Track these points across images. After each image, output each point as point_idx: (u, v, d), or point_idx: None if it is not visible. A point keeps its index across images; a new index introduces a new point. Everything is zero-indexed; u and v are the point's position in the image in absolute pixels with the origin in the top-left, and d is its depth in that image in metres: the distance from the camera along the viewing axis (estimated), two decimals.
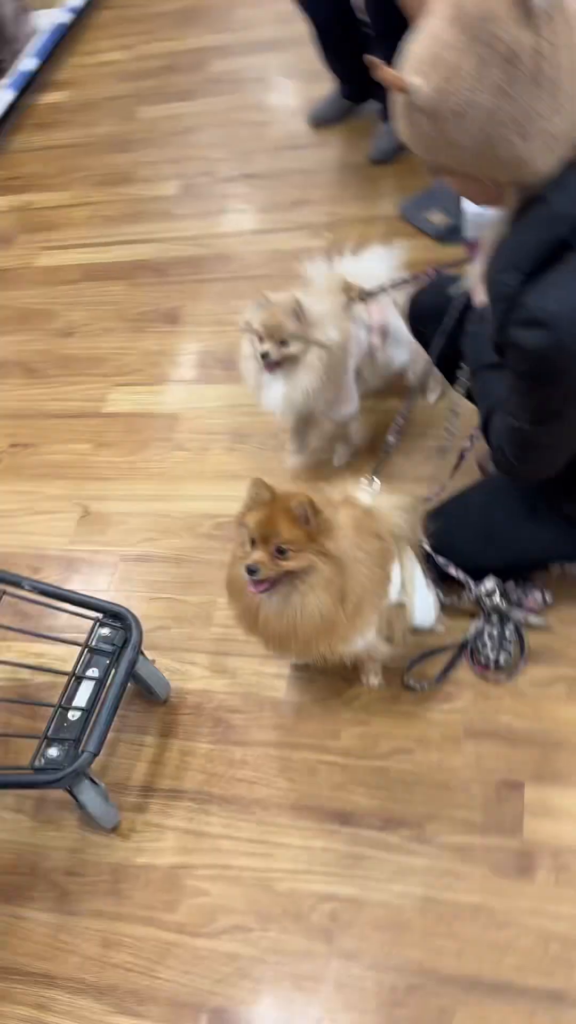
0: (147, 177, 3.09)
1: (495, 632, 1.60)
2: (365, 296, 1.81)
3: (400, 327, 1.87)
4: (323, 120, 2.98)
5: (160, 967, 1.44)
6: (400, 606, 1.53)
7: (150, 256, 2.77)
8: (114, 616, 1.69)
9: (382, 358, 1.92)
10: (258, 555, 1.32)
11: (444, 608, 1.68)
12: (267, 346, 1.75)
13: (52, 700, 1.62)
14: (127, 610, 1.69)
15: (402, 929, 1.39)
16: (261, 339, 1.76)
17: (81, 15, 4.03)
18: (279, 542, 1.32)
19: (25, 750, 1.59)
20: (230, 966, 1.42)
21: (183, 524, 2.05)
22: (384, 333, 1.89)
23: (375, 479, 1.55)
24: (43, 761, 1.52)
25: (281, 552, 1.32)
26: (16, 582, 1.77)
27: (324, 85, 2.97)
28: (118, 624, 1.68)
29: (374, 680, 1.66)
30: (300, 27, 2.82)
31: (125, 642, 1.65)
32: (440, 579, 1.64)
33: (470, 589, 1.61)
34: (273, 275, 2.55)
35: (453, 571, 1.60)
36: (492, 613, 1.61)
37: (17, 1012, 1.45)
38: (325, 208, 2.72)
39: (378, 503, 1.49)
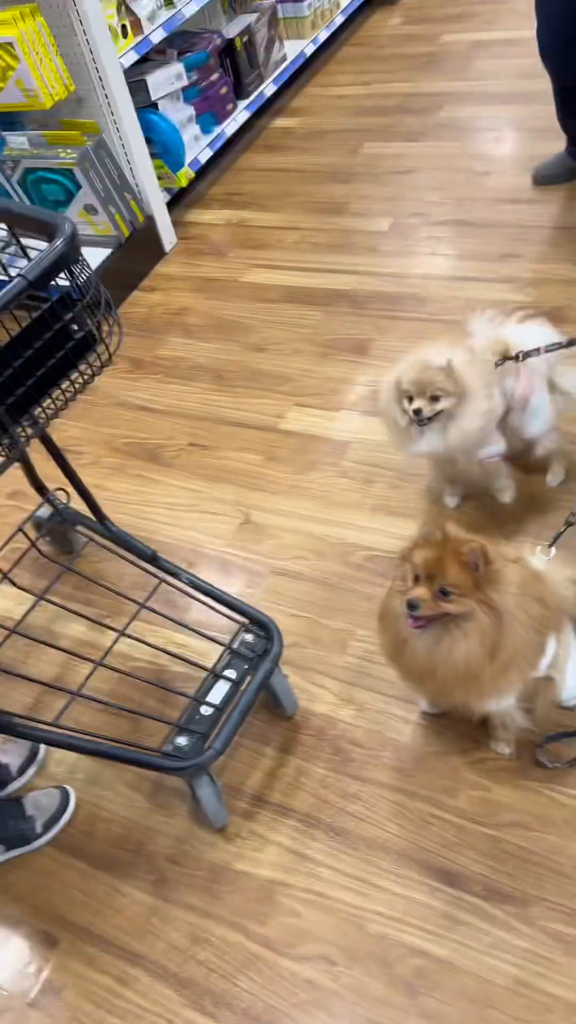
0: (360, 211, 3.18)
1: None
2: (519, 356, 1.80)
3: (542, 402, 1.87)
4: (547, 178, 2.98)
5: (241, 976, 1.47)
6: (548, 679, 1.50)
7: (349, 287, 2.84)
8: (260, 625, 1.75)
9: (515, 422, 1.91)
10: (421, 592, 1.34)
11: None
12: (420, 403, 1.77)
13: (186, 691, 1.69)
14: (272, 622, 1.75)
15: (489, 1006, 1.36)
16: (410, 397, 1.79)
17: (325, 48, 4.20)
18: (444, 583, 1.33)
19: (152, 731, 1.67)
20: (308, 994, 1.43)
21: (336, 550, 2.09)
22: (525, 402, 1.87)
23: (551, 548, 1.53)
24: (171, 747, 1.59)
25: (444, 593, 1.33)
26: (175, 573, 1.87)
27: (553, 144, 2.97)
28: (262, 633, 1.74)
29: (504, 749, 1.63)
30: (538, 84, 2.84)
31: (265, 652, 1.70)
32: None
33: None
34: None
35: None
36: None
37: (98, 980, 1.52)
38: (532, 265, 2.71)
39: (549, 571, 1.47)
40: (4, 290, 1.04)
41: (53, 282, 1.13)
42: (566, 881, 1.46)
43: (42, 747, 1.84)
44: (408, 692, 1.77)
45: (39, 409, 1.16)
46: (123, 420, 2.61)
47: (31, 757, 1.82)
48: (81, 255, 1.14)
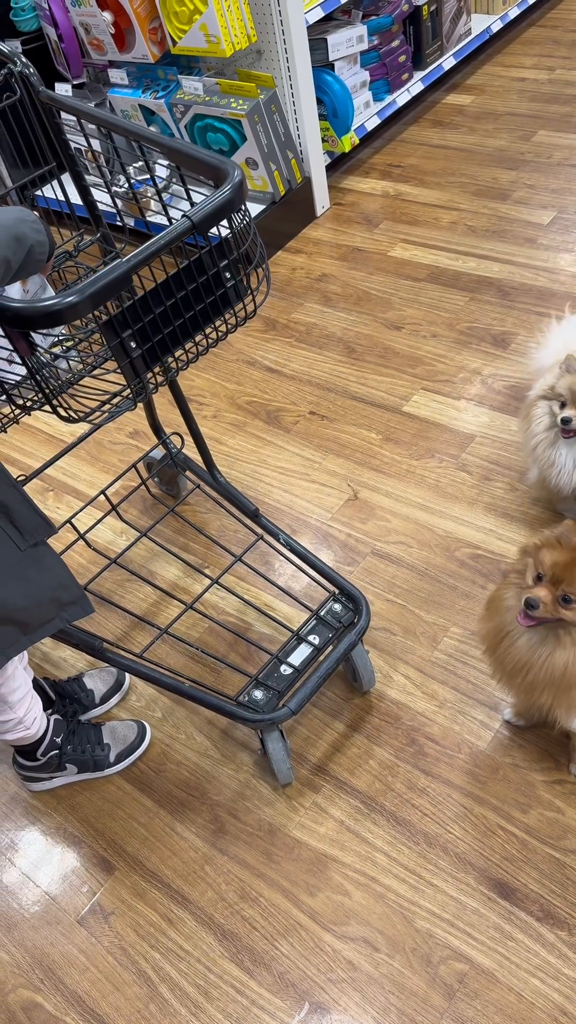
0: (523, 199, 3.07)
1: None
2: None
3: None
4: None
5: (282, 940, 1.49)
6: None
7: (499, 276, 2.75)
8: (349, 597, 1.74)
9: None
10: (543, 593, 1.30)
11: None
12: (571, 411, 1.69)
13: (270, 649, 1.70)
14: (363, 595, 1.73)
15: None
16: (563, 404, 1.70)
17: (513, 26, 4.04)
18: (569, 591, 1.29)
19: (230, 683, 1.69)
20: (347, 973, 1.43)
21: (441, 542, 2.05)
22: None
23: None
24: (247, 699, 1.61)
25: (566, 600, 1.29)
26: (275, 533, 1.87)
27: None
28: (350, 605, 1.73)
29: None
30: None
31: (352, 624, 1.69)
32: None
33: None
34: None
35: None
36: None
37: (146, 914, 1.56)
38: None
39: None
40: (168, 230, 1.05)
41: (214, 228, 1.13)
42: None
43: (127, 679, 1.89)
44: (494, 698, 1.73)
45: (181, 351, 1.16)
46: (250, 379, 2.62)
47: (116, 687, 1.87)
48: (245, 205, 1.13)
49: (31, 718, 1.58)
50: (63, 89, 3.18)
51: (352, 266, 2.97)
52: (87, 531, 1.90)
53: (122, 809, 1.70)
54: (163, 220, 1.44)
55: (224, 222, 1.13)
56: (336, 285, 2.90)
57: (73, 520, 1.91)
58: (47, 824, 1.70)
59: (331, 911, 1.51)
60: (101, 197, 1.52)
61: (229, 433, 2.46)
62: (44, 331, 1.03)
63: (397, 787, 1.63)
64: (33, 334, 1.05)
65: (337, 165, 3.43)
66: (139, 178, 2.65)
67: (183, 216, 1.07)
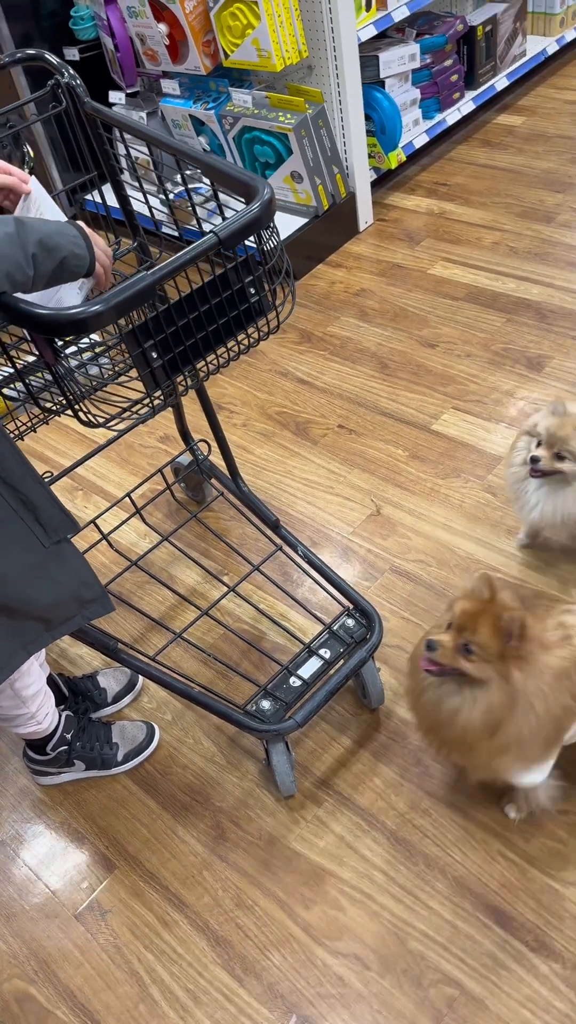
0: (568, 223, 3.05)
1: None
2: None
3: None
4: None
5: (274, 951, 1.49)
6: None
7: (539, 299, 2.74)
8: (363, 612, 1.75)
9: None
10: (445, 638, 1.30)
11: None
12: (542, 451, 1.70)
13: (281, 660, 1.71)
14: (376, 612, 1.74)
15: None
16: (539, 443, 1.71)
17: (568, 49, 4.03)
18: (471, 640, 1.28)
19: (240, 691, 1.70)
20: (336, 988, 1.43)
21: (461, 563, 2.04)
22: None
23: None
24: (255, 708, 1.62)
25: (468, 651, 1.29)
26: (293, 544, 1.89)
27: None
28: (363, 621, 1.73)
29: (512, 813, 1.56)
30: None
31: (364, 640, 1.70)
32: None
33: None
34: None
35: None
36: None
37: (142, 914, 1.58)
38: None
39: None
40: (195, 244, 1.07)
41: (242, 243, 1.15)
42: None
43: (140, 680, 1.91)
44: None
45: (202, 362, 1.19)
46: (281, 389, 2.64)
47: (129, 687, 1.90)
48: (273, 222, 1.15)
49: (43, 713, 1.61)
50: (117, 97, 3.24)
51: (391, 282, 2.98)
52: (111, 532, 1.94)
53: (126, 809, 1.72)
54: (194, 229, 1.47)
55: (252, 238, 1.16)
56: (374, 300, 2.91)
57: (98, 521, 1.94)
58: (52, 818, 1.73)
59: (325, 925, 1.51)
60: (140, 208, 1.55)
61: (257, 442, 2.48)
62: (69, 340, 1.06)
63: (399, 806, 1.63)
64: (58, 341, 1.08)
65: (383, 181, 3.44)
66: (176, 191, 2.70)
67: (211, 231, 1.09)
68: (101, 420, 1.16)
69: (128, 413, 1.15)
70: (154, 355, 1.09)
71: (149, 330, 1.09)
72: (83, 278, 1.10)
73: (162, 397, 1.15)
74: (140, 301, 1.03)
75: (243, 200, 1.19)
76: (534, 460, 1.72)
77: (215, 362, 1.21)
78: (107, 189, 1.63)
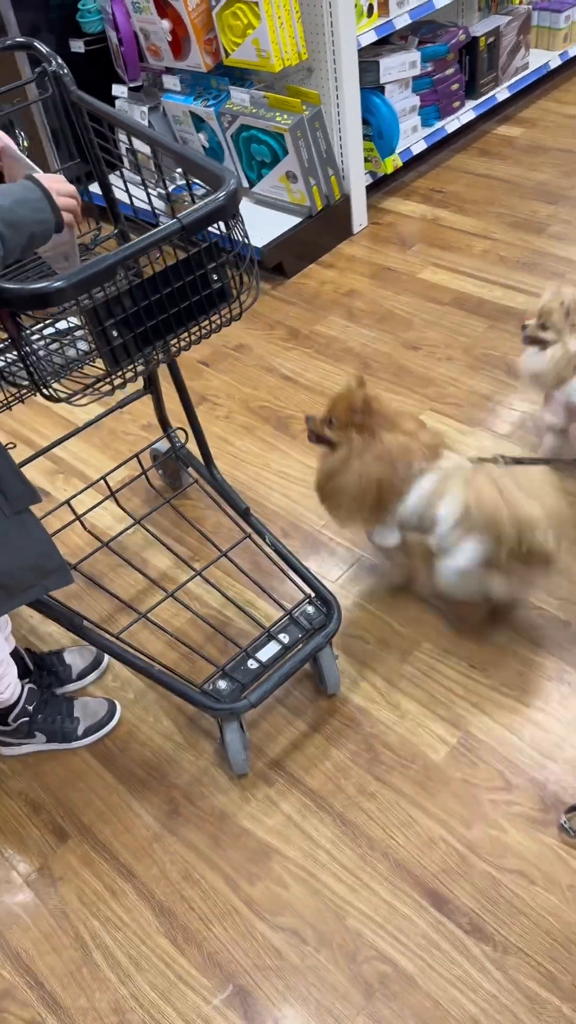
0: (559, 234, 3.10)
1: None
2: None
3: None
4: None
5: (217, 924, 1.53)
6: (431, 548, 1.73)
7: (523, 308, 2.78)
8: (323, 600, 1.79)
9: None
10: (318, 415, 1.76)
11: None
12: (531, 322, 2.02)
13: (243, 644, 1.75)
14: (336, 601, 1.78)
15: None
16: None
17: (571, 63, 4.08)
18: (332, 414, 1.72)
19: (205, 673, 1.74)
20: (273, 961, 1.47)
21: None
22: None
23: (501, 460, 1.71)
24: (211, 688, 1.67)
25: (330, 423, 1.73)
26: (262, 532, 1.93)
27: None
28: (323, 609, 1.77)
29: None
30: None
31: (322, 627, 1.74)
32: None
33: None
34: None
35: None
36: None
37: (91, 883, 1.61)
38: None
39: (450, 465, 1.72)
40: (157, 229, 1.11)
41: (209, 230, 1.19)
42: (553, 944, 1.43)
43: (105, 658, 1.95)
44: (455, 714, 1.76)
45: (163, 343, 1.23)
46: (266, 384, 2.69)
47: (94, 665, 1.94)
48: (238, 211, 1.19)
49: (4, 684, 1.65)
50: (120, 91, 3.29)
51: (381, 284, 3.02)
52: (84, 512, 1.98)
53: (84, 782, 1.76)
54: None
55: (218, 226, 1.20)
56: (362, 302, 2.96)
57: (73, 503, 1.99)
58: (11, 787, 1.77)
59: (267, 901, 1.55)
60: (122, 196, 1.59)
61: (238, 435, 2.52)
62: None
63: (348, 789, 1.67)
64: (21, 316, 1.13)
65: (380, 186, 3.49)
66: (172, 186, 2.74)
67: (175, 218, 1.13)
68: (63, 395, 1.20)
69: (90, 390, 1.19)
70: (115, 333, 1.14)
71: (110, 309, 1.13)
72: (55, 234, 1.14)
73: (123, 376, 1.20)
74: (102, 280, 1.07)
75: (211, 189, 1.24)
76: (523, 328, 2.04)
77: (176, 344, 1.25)
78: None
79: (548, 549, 1.58)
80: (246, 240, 1.22)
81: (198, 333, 1.26)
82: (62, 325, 1.58)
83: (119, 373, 1.18)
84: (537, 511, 1.57)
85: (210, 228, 1.19)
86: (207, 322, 1.26)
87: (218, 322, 1.27)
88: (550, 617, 1.91)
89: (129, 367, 1.18)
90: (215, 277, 1.21)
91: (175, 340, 1.23)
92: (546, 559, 1.61)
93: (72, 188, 1.17)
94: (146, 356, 1.18)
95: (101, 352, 1.16)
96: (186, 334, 1.24)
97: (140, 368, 1.20)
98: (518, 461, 1.71)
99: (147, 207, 1.48)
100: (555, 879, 1.50)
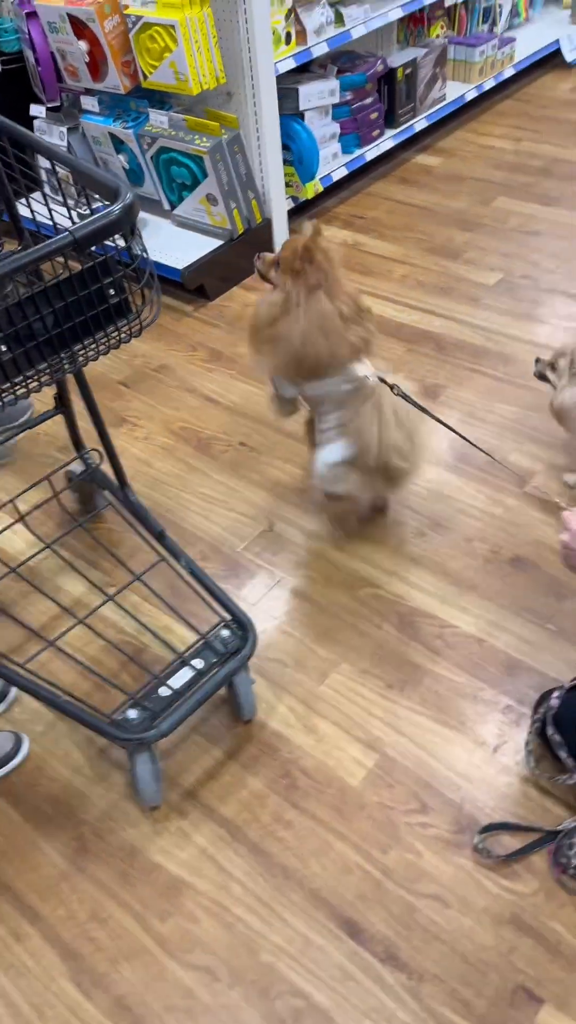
0: (473, 260, 3.16)
1: None
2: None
3: None
4: None
5: (126, 964, 1.47)
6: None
7: (439, 331, 2.82)
8: (239, 623, 1.75)
9: None
10: (269, 256, 1.84)
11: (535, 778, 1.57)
12: (544, 360, 2.21)
13: (152, 668, 1.70)
14: (252, 624, 1.74)
15: None
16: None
17: (487, 97, 4.21)
18: (281, 258, 1.79)
19: (116, 702, 1.69)
20: (184, 1001, 1.41)
21: (345, 580, 2.07)
22: None
23: (397, 389, 1.87)
24: (121, 717, 1.61)
25: (276, 264, 1.80)
26: (177, 555, 1.89)
27: None
28: (239, 632, 1.74)
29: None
30: None
31: (237, 651, 1.70)
32: (548, 753, 1.56)
33: (573, 778, 1.51)
34: (544, 394, 2.51)
35: (563, 754, 1.51)
36: None
37: None
38: None
39: (360, 375, 1.87)
40: (47, 242, 1.08)
41: (107, 244, 1.16)
42: (468, 969, 1.40)
43: (13, 691, 1.88)
44: (372, 736, 1.74)
45: (56, 359, 1.19)
46: (187, 405, 2.66)
47: (1, 696, 1.86)
48: (136, 226, 1.17)
49: None
50: (38, 111, 3.25)
51: None
52: None
53: None
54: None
55: (114, 240, 1.17)
56: None
57: None
58: None
59: (179, 937, 1.49)
60: (24, 211, 1.55)
61: (159, 456, 2.48)
62: None
63: (264, 818, 1.63)
64: None
65: (301, 211, 3.51)
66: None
67: (67, 231, 1.10)
68: None
69: None
70: (3, 348, 1.10)
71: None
72: None
73: (13, 392, 1.15)
74: None
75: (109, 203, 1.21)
76: (536, 361, 2.22)
77: (73, 360, 1.21)
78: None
79: (402, 472, 1.94)
80: (144, 254, 1.20)
81: (96, 349, 1.22)
82: None
83: (9, 389, 1.13)
84: (402, 441, 1.88)
85: (107, 242, 1.16)
86: (105, 337, 1.22)
87: (117, 337, 1.24)
88: (464, 634, 1.91)
89: (21, 383, 1.13)
90: (112, 292, 1.18)
91: (70, 355, 1.19)
92: (399, 479, 1.97)
93: None
94: (39, 372, 1.14)
95: None
96: (83, 349, 1.20)
97: (33, 384, 1.16)
98: (406, 398, 1.90)
99: (49, 222, 1.44)
100: (470, 902, 1.48)
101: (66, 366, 1.21)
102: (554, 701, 1.55)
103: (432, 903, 1.49)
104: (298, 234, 1.80)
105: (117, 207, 1.14)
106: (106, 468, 2.09)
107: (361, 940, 1.46)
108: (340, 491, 2.00)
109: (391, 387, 1.87)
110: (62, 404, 2.00)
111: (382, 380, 1.89)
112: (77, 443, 2.09)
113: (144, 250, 1.20)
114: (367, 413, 1.86)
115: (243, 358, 2.81)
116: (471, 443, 2.06)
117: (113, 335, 1.23)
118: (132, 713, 1.62)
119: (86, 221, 1.11)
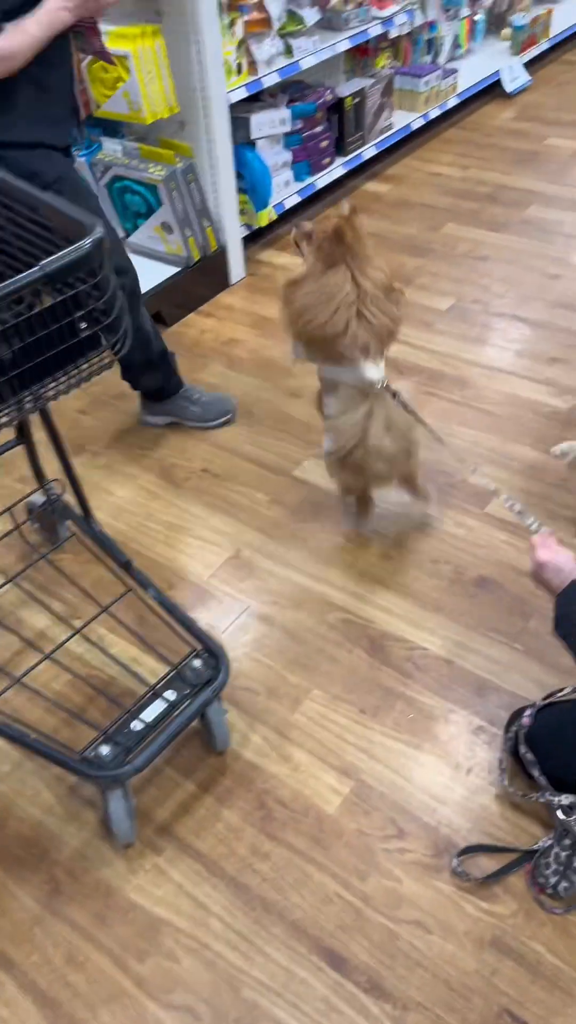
0: (425, 285, 3.22)
1: (563, 856, 1.48)
2: None
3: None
4: None
5: (104, 1009, 1.43)
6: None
7: (394, 356, 2.85)
8: (210, 653, 1.73)
9: None
10: (307, 227, 1.90)
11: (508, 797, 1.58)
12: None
13: (128, 704, 1.68)
14: (224, 653, 1.73)
15: None
16: None
17: (433, 125, 4.31)
18: (313, 232, 1.86)
19: (86, 738, 1.66)
20: None
21: (314, 605, 2.08)
22: None
23: (396, 398, 1.90)
24: (93, 754, 1.58)
25: (309, 236, 1.87)
26: (145, 585, 1.87)
27: None
28: (211, 662, 1.72)
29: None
30: None
31: (209, 681, 1.68)
32: (522, 771, 1.57)
33: (545, 797, 1.52)
34: (501, 416, 2.57)
35: (535, 773, 1.52)
36: (565, 834, 1.50)
37: None
38: None
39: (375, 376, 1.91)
40: (18, 277, 1.07)
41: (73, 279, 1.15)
42: (452, 995, 1.40)
43: None
44: (346, 762, 1.74)
45: (32, 392, 1.18)
46: (148, 433, 2.64)
47: None
48: (105, 261, 1.16)
49: None
50: None
51: (259, 334, 3.05)
52: None
53: None
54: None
55: (84, 275, 1.16)
56: (242, 350, 2.97)
57: None
58: None
59: (159, 978, 1.46)
60: None
61: (120, 484, 2.46)
62: None
63: (240, 851, 1.61)
64: None
65: (256, 238, 3.54)
66: None
67: (38, 266, 1.09)
68: None
69: None
70: None
71: None
72: None
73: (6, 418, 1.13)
74: None
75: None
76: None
77: (44, 394, 1.20)
78: None
79: (382, 477, 2.04)
80: (115, 290, 1.19)
81: (67, 383, 1.21)
82: None
83: None
84: (387, 447, 1.94)
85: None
86: (76, 371, 1.21)
87: (88, 371, 1.23)
88: (433, 656, 1.93)
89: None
90: (84, 326, 1.17)
91: (41, 390, 1.18)
92: (380, 482, 2.08)
93: None
94: (8, 407, 1.13)
95: None
96: (53, 383, 1.19)
97: (3, 419, 1.14)
98: (404, 407, 1.93)
99: None
100: (451, 926, 1.48)
101: (36, 401, 1.20)
102: (526, 720, 1.57)
103: (413, 929, 1.48)
104: (336, 214, 1.87)
105: (87, 241, 1.14)
106: (68, 498, 2.06)
107: (344, 971, 1.45)
108: (336, 477, 2.15)
109: (393, 395, 1.93)
110: (22, 435, 1.97)
111: (387, 387, 1.95)
112: (39, 474, 2.06)
113: (115, 285, 1.20)
114: (359, 415, 1.92)
115: (202, 384, 2.81)
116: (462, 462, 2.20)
117: (84, 368, 1.22)
118: (104, 749, 1.59)
119: (55, 256, 1.11)
